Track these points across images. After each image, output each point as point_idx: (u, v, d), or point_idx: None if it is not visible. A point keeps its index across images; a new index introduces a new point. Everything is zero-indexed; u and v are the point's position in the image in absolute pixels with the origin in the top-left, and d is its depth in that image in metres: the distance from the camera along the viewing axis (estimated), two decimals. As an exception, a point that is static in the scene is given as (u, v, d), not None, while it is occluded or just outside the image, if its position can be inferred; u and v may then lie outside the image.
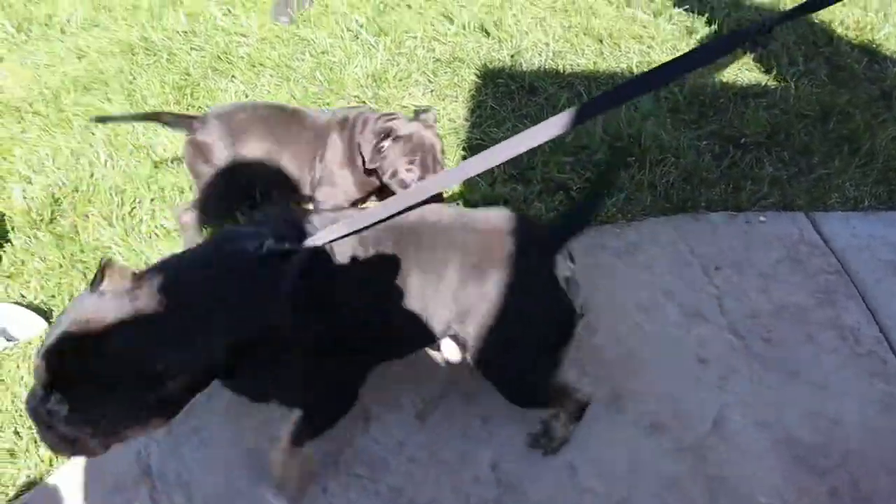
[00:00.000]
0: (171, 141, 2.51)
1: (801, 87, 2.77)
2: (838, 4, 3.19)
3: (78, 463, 1.76)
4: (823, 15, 3.22)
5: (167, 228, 2.21)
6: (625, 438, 1.81)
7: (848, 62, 2.95)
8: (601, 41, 2.95)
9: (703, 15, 3.09)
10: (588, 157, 2.44)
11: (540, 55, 2.87)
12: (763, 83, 2.79)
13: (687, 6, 3.14)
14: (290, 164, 2.07)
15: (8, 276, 2.14)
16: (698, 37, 2.98)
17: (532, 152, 2.25)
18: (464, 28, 2.99)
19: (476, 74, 2.77)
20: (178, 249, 2.14)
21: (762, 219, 2.37)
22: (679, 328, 2.06)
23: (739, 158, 2.49)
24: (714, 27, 3.00)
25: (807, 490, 1.73)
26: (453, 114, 2.62)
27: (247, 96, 2.70)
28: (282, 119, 2.07)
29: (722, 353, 2.00)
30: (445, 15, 3.07)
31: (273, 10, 3.12)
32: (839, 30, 3.13)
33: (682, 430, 1.83)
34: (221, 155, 2.03)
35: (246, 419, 1.81)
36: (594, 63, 2.85)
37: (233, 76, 2.79)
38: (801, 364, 1.98)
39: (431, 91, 2.71)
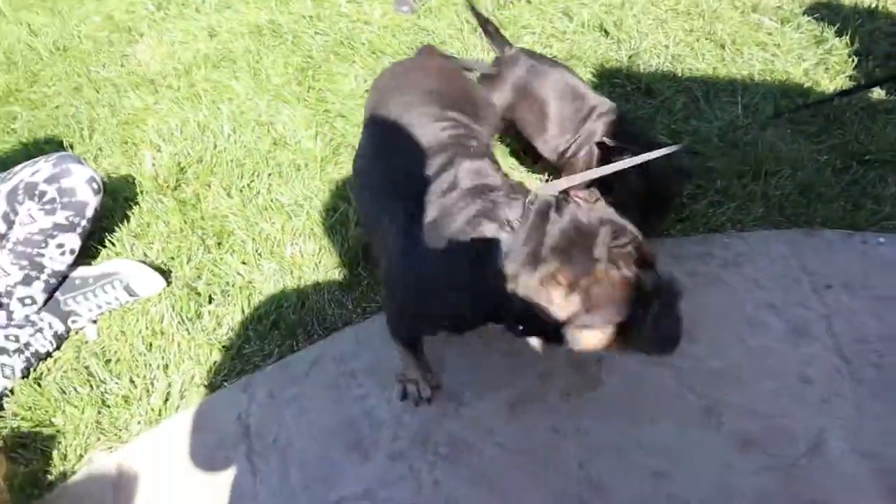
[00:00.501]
0: (292, 119, 2.62)
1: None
2: None
3: (184, 417, 1.87)
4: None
5: (281, 203, 2.31)
6: (718, 451, 1.77)
7: None
8: (723, 46, 2.88)
9: (833, 25, 2.97)
10: (702, 163, 2.40)
11: (658, 57, 2.83)
12: (894, 98, 2.66)
13: (817, 15, 3.02)
14: (555, 126, 2.21)
15: (134, 236, 2.29)
16: (827, 46, 2.87)
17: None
18: (583, 26, 2.98)
19: (592, 73, 2.76)
20: (289, 223, 2.24)
21: (881, 240, 2.27)
22: (784, 345, 2.00)
23: (862, 176, 2.38)
24: (846, 38, 2.88)
25: (908, 525, 1.66)
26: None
27: (365, 81, 2.78)
28: (571, 87, 2.23)
29: (827, 374, 1.93)
30: (565, 12, 3.07)
31: (395, 0, 3.19)
32: None
33: (778, 448, 1.78)
34: (503, 88, 2.25)
35: (346, 391, 1.88)
36: (714, 68, 2.79)
37: (353, 61, 2.88)
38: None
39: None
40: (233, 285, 2.10)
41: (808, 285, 2.13)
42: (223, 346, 1.98)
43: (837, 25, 2.94)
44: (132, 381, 1.94)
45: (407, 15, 3.14)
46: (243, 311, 2.04)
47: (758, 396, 1.89)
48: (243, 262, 2.15)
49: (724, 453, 1.78)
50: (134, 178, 2.48)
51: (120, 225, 2.33)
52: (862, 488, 1.72)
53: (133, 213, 2.36)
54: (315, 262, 2.13)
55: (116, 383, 1.93)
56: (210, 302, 2.08)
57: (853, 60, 2.76)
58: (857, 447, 1.78)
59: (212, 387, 1.92)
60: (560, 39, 2.94)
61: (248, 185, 2.39)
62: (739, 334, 2.02)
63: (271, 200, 2.32)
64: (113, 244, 2.28)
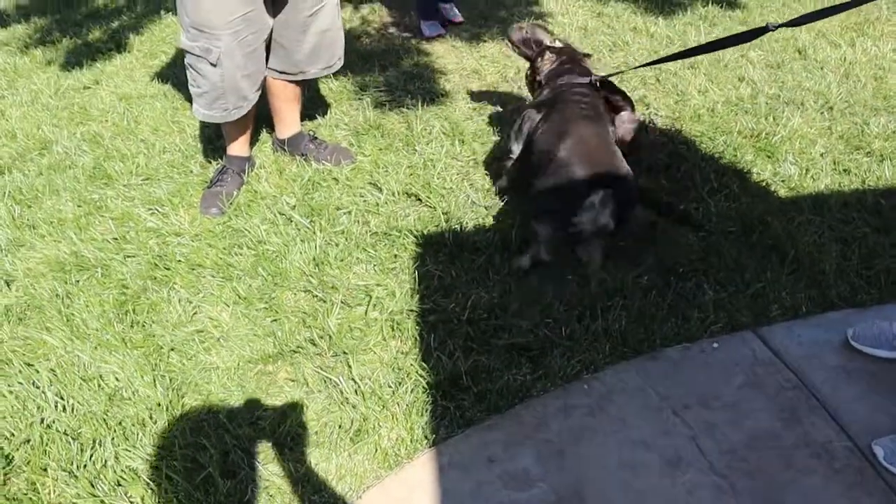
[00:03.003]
0: (122, 366, 2.45)
1: (718, 204, 2.94)
2: (731, 115, 3.44)
3: None
4: (723, 124, 3.46)
5: (136, 471, 2.13)
6: None
7: (753, 170, 3.16)
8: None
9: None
10: (542, 311, 2.51)
11: (471, 210, 2.96)
12: (683, 206, 2.95)
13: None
14: None
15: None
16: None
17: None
18: (393, 195, 3.07)
19: (415, 242, 2.83)
20: (149, 496, 2.06)
21: (715, 345, 2.46)
22: (665, 478, 2.08)
23: (682, 288, 2.59)
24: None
25: None
26: (399, 288, 2.65)
27: (190, 303, 2.67)
28: None
29: (710, 496, 2.03)
30: (373, 184, 3.15)
31: (202, 203, 3.13)
32: (738, 139, 3.36)
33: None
34: None
35: None
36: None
37: (174, 283, 2.76)
38: (785, 493, 2.03)
39: (374, 266, 2.75)
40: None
41: (669, 411, 2.26)
42: None
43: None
44: None
45: (217, 217, 3.08)
46: None
47: (658, 541, 1.95)
48: (108, 558, 1.95)
49: None
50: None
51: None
52: None
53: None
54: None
55: None
56: None
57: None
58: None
59: None
60: (375, 214, 3.00)
61: (91, 458, 2.19)
62: (623, 480, 2.09)
63: (122, 471, 2.13)
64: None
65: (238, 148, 3.20)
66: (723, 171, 3.16)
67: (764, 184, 3.12)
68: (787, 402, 2.28)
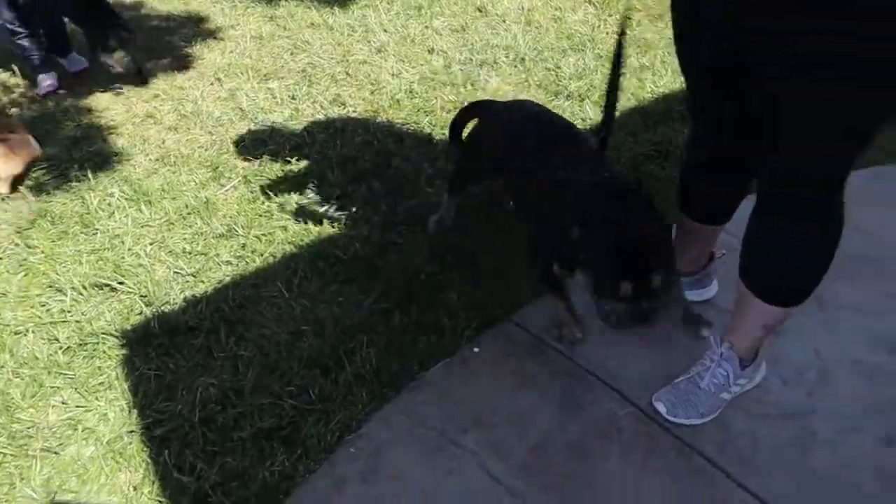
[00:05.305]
0: None
1: (442, 194, 2.76)
2: (430, 91, 3.27)
3: None
4: (424, 105, 3.28)
5: None
6: None
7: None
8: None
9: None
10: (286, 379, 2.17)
11: (177, 283, 2.54)
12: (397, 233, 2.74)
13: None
14: None
15: None
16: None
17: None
18: (80, 293, 2.55)
19: (119, 344, 2.35)
20: None
21: (476, 349, 2.27)
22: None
23: (425, 298, 2.38)
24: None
25: None
26: (111, 408, 2.18)
27: None
28: None
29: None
30: (52, 286, 2.60)
31: None
32: (443, 116, 3.20)
33: None
34: None
35: None
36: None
37: None
38: (587, 488, 1.89)
39: (76, 390, 2.24)
40: None
41: (449, 443, 2.02)
42: None
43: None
44: None
45: None
46: None
47: None
48: None
49: None
50: None
51: None
52: None
53: None
54: None
55: None
56: None
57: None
58: None
59: None
60: (64, 322, 2.46)
61: None
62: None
63: None
64: None
65: None
66: (435, 155, 2.98)
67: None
68: (563, 387, 2.15)
